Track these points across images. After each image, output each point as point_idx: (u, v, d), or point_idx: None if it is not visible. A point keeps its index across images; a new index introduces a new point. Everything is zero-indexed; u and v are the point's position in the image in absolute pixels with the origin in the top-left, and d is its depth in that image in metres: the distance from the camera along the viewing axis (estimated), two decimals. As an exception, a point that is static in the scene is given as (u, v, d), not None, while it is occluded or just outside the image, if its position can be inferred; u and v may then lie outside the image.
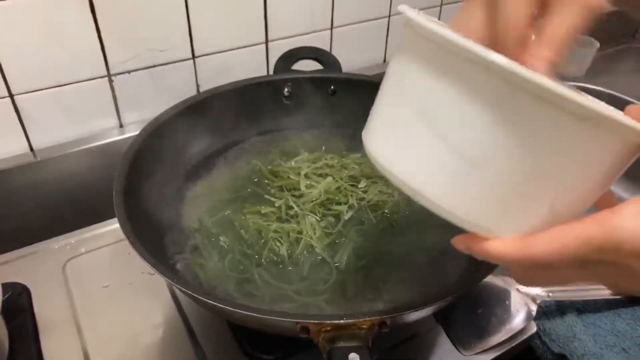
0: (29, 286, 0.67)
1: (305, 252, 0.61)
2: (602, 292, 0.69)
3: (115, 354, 0.61)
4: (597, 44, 1.22)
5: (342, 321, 0.43)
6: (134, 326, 0.64)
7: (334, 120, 0.83)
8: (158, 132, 0.69)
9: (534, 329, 0.63)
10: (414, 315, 0.48)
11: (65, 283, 0.69)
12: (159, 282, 0.68)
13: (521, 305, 0.64)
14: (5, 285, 0.65)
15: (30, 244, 0.74)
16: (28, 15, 0.70)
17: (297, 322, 0.44)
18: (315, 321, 0.44)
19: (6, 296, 0.64)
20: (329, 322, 0.43)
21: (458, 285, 0.48)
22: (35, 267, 0.70)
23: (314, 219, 0.63)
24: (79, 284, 0.69)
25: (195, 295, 0.45)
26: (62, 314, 0.65)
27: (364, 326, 0.44)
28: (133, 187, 0.61)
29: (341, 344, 0.43)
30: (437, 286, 0.58)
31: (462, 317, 0.63)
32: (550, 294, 0.66)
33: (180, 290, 0.48)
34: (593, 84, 1.20)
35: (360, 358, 0.42)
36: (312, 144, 0.80)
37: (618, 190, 1.23)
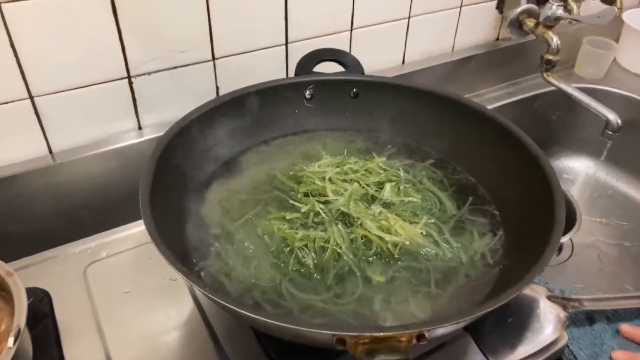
0: (49, 291, 0.66)
1: (332, 261, 0.59)
2: (633, 301, 0.67)
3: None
4: (616, 46, 1.20)
5: (381, 334, 0.42)
6: (156, 332, 0.63)
7: (355, 122, 0.82)
8: (182, 133, 0.68)
9: (565, 339, 0.62)
10: (451, 327, 0.47)
11: (86, 288, 0.68)
12: (181, 288, 0.67)
13: (552, 314, 0.63)
14: (27, 291, 0.64)
15: (50, 248, 0.73)
16: (48, 16, 0.69)
17: (334, 335, 0.43)
18: (354, 333, 0.42)
19: (28, 302, 0.63)
20: (368, 334, 0.42)
21: (494, 299, 0.46)
22: (56, 272, 0.70)
23: (341, 227, 0.62)
24: (100, 289, 0.68)
25: (230, 306, 0.44)
26: (84, 320, 0.64)
27: (403, 338, 0.43)
28: (156, 190, 0.60)
29: (381, 356, 0.41)
30: (467, 300, 0.57)
31: (492, 327, 0.62)
32: (582, 303, 0.64)
33: (212, 300, 0.47)
34: (612, 87, 1.19)
35: (401, 371, 0.40)
36: (334, 146, 0.79)
37: (611, 179, 1.21)
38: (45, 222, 0.77)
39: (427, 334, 0.44)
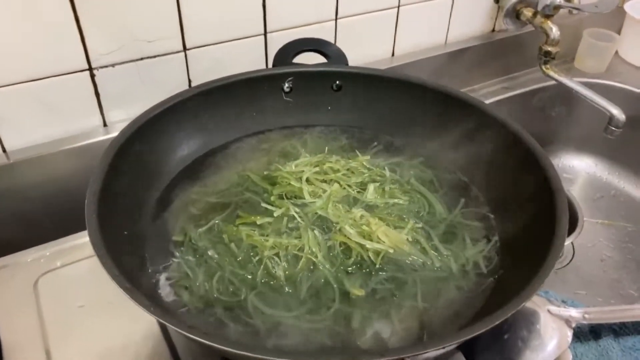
0: (-5, 306, 0.60)
1: (306, 272, 0.53)
2: (642, 313, 0.61)
3: (88, 385, 0.54)
4: (617, 38, 1.14)
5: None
6: (111, 353, 0.56)
7: (338, 118, 0.76)
8: (142, 131, 0.62)
9: (569, 357, 0.55)
10: (437, 352, 0.40)
11: (36, 301, 0.61)
12: (142, 302, 0.61)
13: (554, 329, 0.56)
14: (-33, 306, 0.58)
15: (1, 256, 0.66)
16: (-2, 1, 0.62)
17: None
18: (320, 362, 0.36)
19: (-32, 318, 0.56)
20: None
21: (488, 317, 0.40)
22: (4, 284, 0.63)
23: (317, 233, 0.55)
24: (51, 302, 0.61)
25: (179, 330, 0.38)
26: (30, 337, 0.57)
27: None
28: (110, 193, 0.54)
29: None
30: (458, 316, 0.50)
31: (487, 344, 0.56)
32: (586, 315, 0.58)
33: (158, 321, 0.40)
34: (614, 81, 1.13)
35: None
36: (314, 144, 0.73)
37: (613, 178, 1.15)
38: (1, 227, 0.71)
39: (408, 361, 0.37)
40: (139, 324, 0.59)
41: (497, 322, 0.39)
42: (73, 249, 0.68)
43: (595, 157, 1.19)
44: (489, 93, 1.09)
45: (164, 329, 0.58)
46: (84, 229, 0.70)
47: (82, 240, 0.69)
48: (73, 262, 0.66)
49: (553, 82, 1.05)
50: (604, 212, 1.09)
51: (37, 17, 0.65)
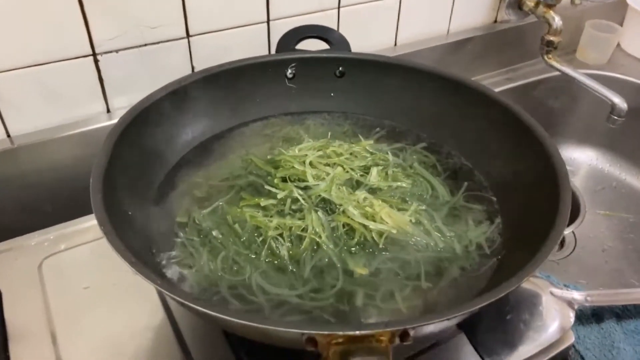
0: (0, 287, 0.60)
1: (310, 252, 0.53)
2: (645, 297, 0.61)
3: (94, 365, 0.54)
4: (620, 29, 1.14)
5: (357, 332, 0.36)
6: (117, 333, 0.56)
7: (341, 104, 0.76)
8: (145, 115, 0.62)
9: (571, 339, 0.56)
10: (440, 325, 0.40)
11: (40, 284, 0.61)
12: (146, 284, 0.61)
13: (556, 311, 0.56)
14: (-29, 287, 0.58)
15: (4, 240, 0.66)
16: (1, -16, 0.62)
17: (303, 333, 0.37)
18: (325, 332, 0.36)
19: (-27, 300, 0.57)
20: (341, 333, 0.36)
21: (489, 293, 0.40)
22: (8, 267, 0.63)
23: (321, 214, 0.56)
24: (56, 285, 0.61)
25: (184, 301, 0.38)
26: (36, 320, 0.58)
27: (383, 338, 0.37)
28: (114, 175, 0.54)
29: (357, 359, 0.35)
30: (461, 295, 0.50)
31: (488, 324, 0.56)
32: (589, 298, 0.58)
33: (166, 295, 0.41)
34: (616, 73, 1.13)
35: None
36: (317, 130, 0.73)
37: (615, 170, 1.15)
38: (2, 212, 0.71)
39: (411, 333, 0.38)
40: (143, 306, 0.59)
41: (497, 297, 0.39)
42: (76, 232, 0.68)
43: (596, 148, 1.19)
44: (490, 84, 1.08)
45: (168, 310, 0.59)
46: (85, 213, 0.72)
47: (85, 224, 0.70)
48: (77, 245, 0.66)
49: (554, 74, 1.05)
50: (605, 203, 1.10)
51: (42, 1, 0.65)
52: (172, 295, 0.39)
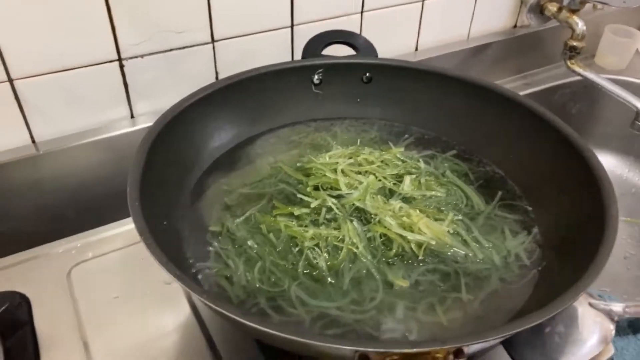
0: (29, 296, 0.59)
1: (347, 263, 0.52)
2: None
3: (126, 375, 0.53)
4: (639, 34, 1.13)
5: (414, 350, 0.35)
6: (147, 343, 0.56)
7: (368, 110, 0.75)
8: (176, 121, 0.61)
9: (611, 351, 0.55)
10: (494, 342, 0.39)
11: (69, 293, 0.61)
12: (177, 293, 0.60)
13: (595, 324, 0.55)
14: (2, 295, 0.57)
15: (31, 247, 0.66)
16: (29, -10, 0.62)
17: (357, 351, 0.36)
18: (380, 350, 0.35)
19: (3, 308, 0.56)
20: (397, 350, 0.35)
21: (542, 309, 0.39)
22: (36, 275, 0.62)
23: (356, 224, 0.55)
24: (85, 293, 0.60)
25: (232, 315, 0.37)
26: (66, 329, 0.57)
27: (439, 355, 0.36)
28: (148, 182, 0.53)
29: (413, 379, 0.34)
30: (503, 308, 0.49)
31: (527, 338, 0.55)
32: (628, 309, 0.57)
33: (211, 308, 0.40)
34: (635, 77, 1.12)
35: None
36: (345, 136, 0.72)
37: (634, 176, 1.14)
38: (26, 219, 0.70)
39: (466, 350, 0.37)
40: (174, 315, 0.59)
41: (553, 314, 0.38)
42: (103, 240, 0.68)
43: (615, 154, 1.18)
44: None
45: (199, 319, 0.58)
46: (110, 221, 0.71)
47: (111, 232, 0.69)
48: (105, 253, 0.65)
49: (573, 79, 1.04)
50: (625, 209, 1.08)
51: (69, 6, 0.64)
52: (222, 311, 0.38)
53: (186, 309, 0.59)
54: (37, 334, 0.56)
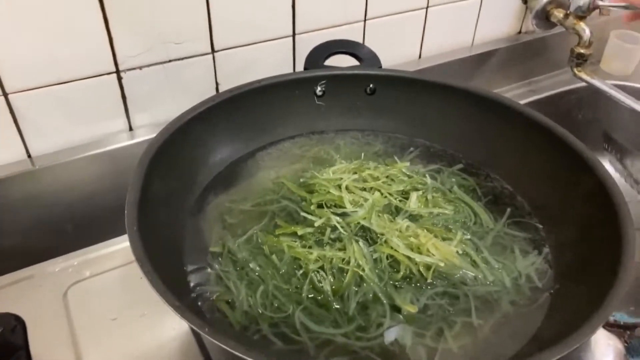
0: (24, 318, 0.57)
1: (353, 287, 0.50)
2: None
3: (125, 402, 0.51)
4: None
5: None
6: (147, 368, 0.54)
7: (372, 122, 0.74)
8: (177, 136, 0.59)
9: (625, 375, 0.53)
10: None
11: (66, 313, 0.59)
12: (177, 317, 0.58)
13: (610, 346, 0.54)
14: (-5, 318, 0.55)
15: (26, 266, 0.64)
16: (24, 2, 0.60)
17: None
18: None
19: (-3, 332, 0.54)
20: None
21: (564, 341, 0.37)
22: (32, 295, 0.61)
23: (362, 244, 0.53)
24: (82, 314, 0.59)
25: (236, 353, 0.35)
26: (62, 352, 0.55)
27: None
28: (147, 201, 0.51)
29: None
30: (515, 333, 0.48)
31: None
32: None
33: (215, 345, 0.38)
34: (640, 83, 1.11)
35: None
36: (349, 150, 0.71)
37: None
38: (22, 236, 0.68)
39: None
40: (173, 338, 0.57)
41: (575, 346, 0.37)
42: (101, 258, 0.66)
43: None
44: (514, 96, 1.06)
45: (200, 343, 0.56)
46: (108, 237, 0.70)
47: (109, 249, 0.68)
48: (102, 272, 0.64)
49: (579, 85, 1.03)
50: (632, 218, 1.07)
51: (65, 18, 0.63)
52: (224, 347, 0.36)
53: (186, 331, 0.57)
54: (31, 356, 0.54)
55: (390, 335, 0.47)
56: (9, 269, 0.64)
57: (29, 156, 0.69)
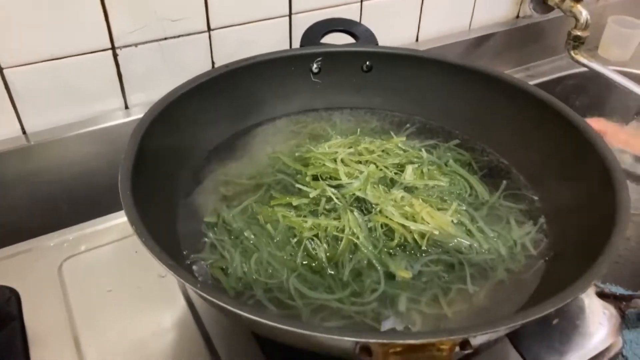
0: (18, 290, 0.57)
1: (348, 254, 0.50)
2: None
3: (119, 371, 0.51)
4: (643, 25, 1.12)
5: (418, 341, 0.33)
6: (141, 338, 0.54)
7: (368, 100, 0.73)
8: (170, 110, 0.59)
9: (620, 344, 0.53)
10: (501, 332, 0.38)
11: (61, 287, 0.59)
12: (171, 286, 0.58)
13: (604, 315, 0.54)
14: (-10, 289, 0.55)
15: (22, 241, 0.64)
16: (18, -25, 0.60)
17: (358, 342, 0.34)
18: (384, 340, 0.33)
19: (-9, 302, 0.54)
20: (401, 341, 0.33)
21: (550, 299, 0.37)
22: (27, 269, 0.60)
23: (357, 214, 0.53)
24: (77, 287, 0.58)
25: (227, 306, 0.35)
26: (57, 324, 0.55)
27: (444, 346, 0.34)
28: (141, 173, 0.51)
29: (418, 371, 0.32)
30: (509, 299, 0.47)
31: (534, 330, 0.53)
32: (638, 301, 0.55)
33: (205, 299, 0.38)
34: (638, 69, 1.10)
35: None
36: (345, 126, 0.71)
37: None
38: (17, 212, 0.68)
39: (472, 341, 0.35)
40: (169, 308, 0.57)
41: (563, 303, 0.37)
42: (96, 233, 0.66)
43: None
44: (512, 81, 1.06)
45: (194, 312, 0.56)
46: (103, 214, 0.69)
47: (104, 225, 0.67)
48: (98, 246, 0.63)
49: (577, 70, 1.03)
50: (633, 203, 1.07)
51: (60, -8, 0.63)
52: (216, 301, 0.36)
53: (182, 303, 0.57)
54: (26, 329, 0.54)
55: (387, 326, 0.46)
56: (5, 243, 0.63)
57: (24, 132, 0.69)
